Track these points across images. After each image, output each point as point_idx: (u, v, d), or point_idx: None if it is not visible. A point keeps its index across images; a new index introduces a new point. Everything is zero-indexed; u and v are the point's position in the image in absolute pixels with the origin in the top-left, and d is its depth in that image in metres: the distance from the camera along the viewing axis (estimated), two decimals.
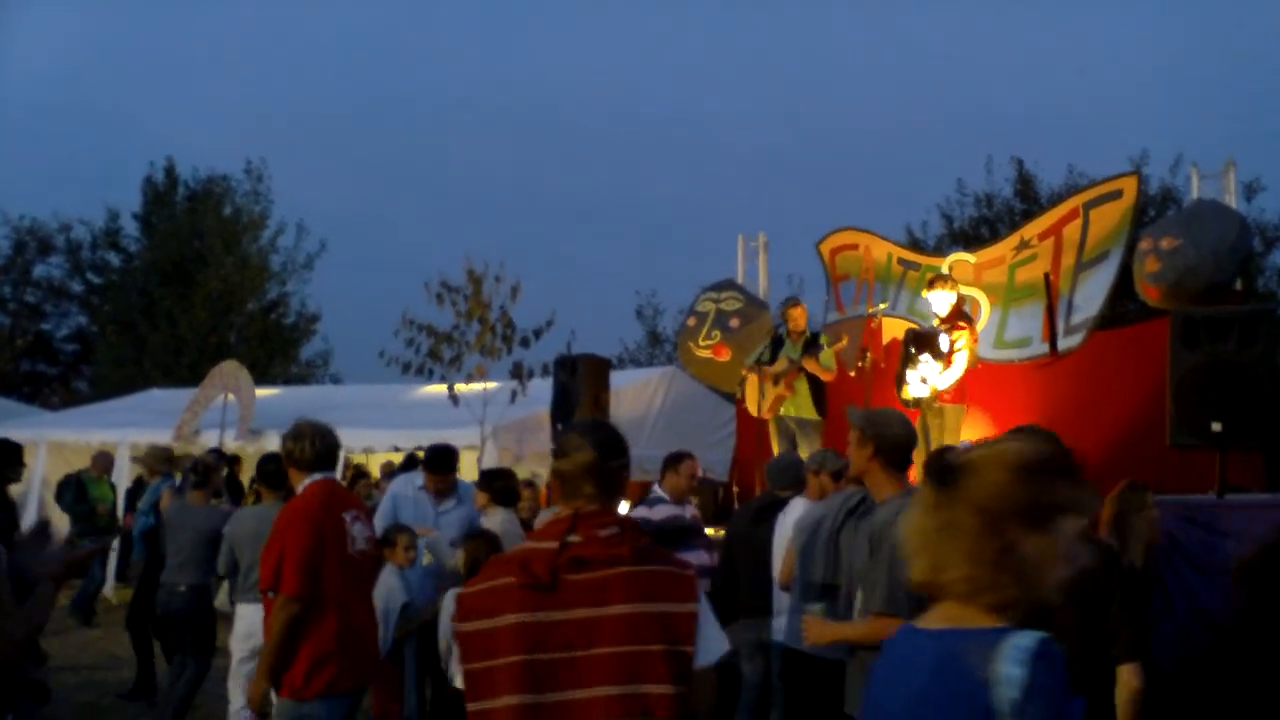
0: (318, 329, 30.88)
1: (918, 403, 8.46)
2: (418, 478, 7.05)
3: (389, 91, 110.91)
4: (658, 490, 6.87)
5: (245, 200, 29.22)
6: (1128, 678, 3.35)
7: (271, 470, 6.41)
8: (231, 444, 13.38)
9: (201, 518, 7.39)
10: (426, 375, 11.70)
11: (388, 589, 6.23)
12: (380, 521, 6.74)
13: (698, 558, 6.47)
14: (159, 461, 9.50)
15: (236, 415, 13.82)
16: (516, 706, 2.51)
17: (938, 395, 8.40)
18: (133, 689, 8.35)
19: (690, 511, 6.93)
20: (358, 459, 13.24)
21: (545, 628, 2.54)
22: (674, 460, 6.89)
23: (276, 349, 28.97)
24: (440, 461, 6.90)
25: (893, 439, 4.09)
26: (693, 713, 2.56)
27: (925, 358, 8.42)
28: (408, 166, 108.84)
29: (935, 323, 8.92)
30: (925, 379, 8.37)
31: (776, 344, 9.44)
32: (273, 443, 13.38)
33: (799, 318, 9.43)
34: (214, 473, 7.82)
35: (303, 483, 4.42)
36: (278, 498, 6.30)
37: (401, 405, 13.99)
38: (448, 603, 5.64)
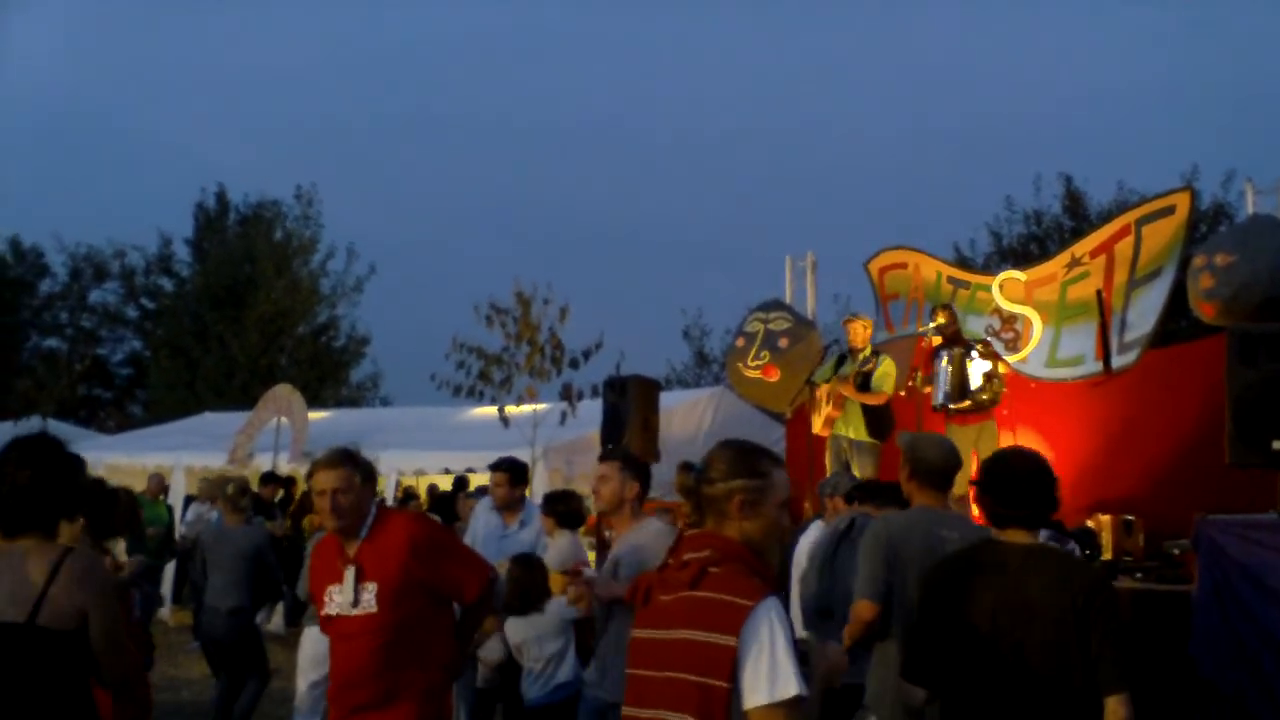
0: (367, 352, 31.20)
1: (944, 408, 8.48)
2: (490, 501, 7.07)
3: (438, 114, 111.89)
4: None
5: (296, 225, 29.60)
6: (1115, 708, 3.01)
7: None
8: (285, 467, 13.54)
9: (241, 538, 7.51)
10: (477, 397, 11.80)
11: None
12: None
13: None
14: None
15: (289, 438, 13.98)
16: (625, 716, 2.72)
17: (994, 395, 8.41)
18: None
19: None
20: (407, 481, 13.34)
21: (639, 644, 2.71)
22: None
23: (327, 372, 29.25)
24: (509, 467, 6.83)
25: (928, 462, 4.25)
26: None
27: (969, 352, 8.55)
28: (456, 190, 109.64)
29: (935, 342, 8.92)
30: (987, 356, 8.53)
31: (841, 361, 9.31)
32: None
33: (856, 333, 9.19)
34: (247, 495, 7.98)
35: (372, 509, 4.06)
36: None
37: (452, 427, 14.09)
38: (509, 628, 5.67)
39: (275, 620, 11.85)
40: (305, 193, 29.67)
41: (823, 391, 9.14)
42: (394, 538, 3.92)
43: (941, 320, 8.72)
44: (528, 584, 5.62)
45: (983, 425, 8.50)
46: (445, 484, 12.69)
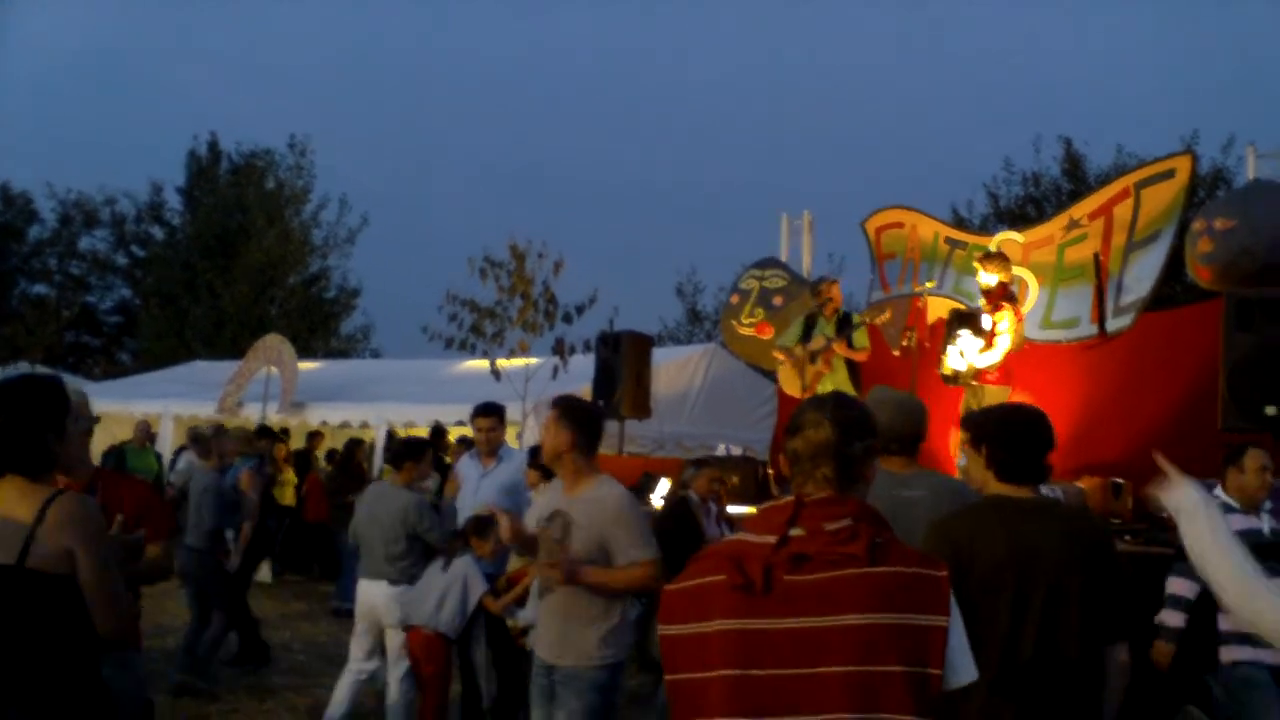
0: (358, 304, 31.14)
1: (955, 378, 8.37)
2: (474, 452, 7.05)
3: (435, 67, 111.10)
4: (1221, 495, 5.24)
5: (288, 174, 29.41)
6: (1118, 655, 3.04)
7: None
8: (274, 417, 13.49)
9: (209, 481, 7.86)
10: (469, 350, 11.74)
11: (470, 578, 6.15)
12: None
13: None
14: (242, 443, 9.58)
15: (279, 388, 13.93)
16: None
17: (976, 373, 8.28)
18: (238, 654, 8.31)
19: (1269, 524, 5.17)
20: (400, 433, 13.31)
21: (759, 638, 2.17)
22: (1238, 454, 5.24)
23: (317, 323, 29.19)
24: (495, 410, 6.80)
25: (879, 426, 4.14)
26: None
27: (965, 333, 8.33)
28: (452, 143, 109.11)
29: (981, 303, 8.80)
30: (963, 353, 8.28)
31: (809, 323, 9.24)
32: (314, 415, 13.49)
33: (836, 296, 9.09)
34: (212, 442, 8.27)
35: None
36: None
37: (443, 380, 14.05)
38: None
39: (263, 570, 11.86)
40: (299, 143, 29.52)
41: (808, 350, 9.00)
42: None
43: (996, 279, 8.39)
44: None
45: (980, 387, 8.38)
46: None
